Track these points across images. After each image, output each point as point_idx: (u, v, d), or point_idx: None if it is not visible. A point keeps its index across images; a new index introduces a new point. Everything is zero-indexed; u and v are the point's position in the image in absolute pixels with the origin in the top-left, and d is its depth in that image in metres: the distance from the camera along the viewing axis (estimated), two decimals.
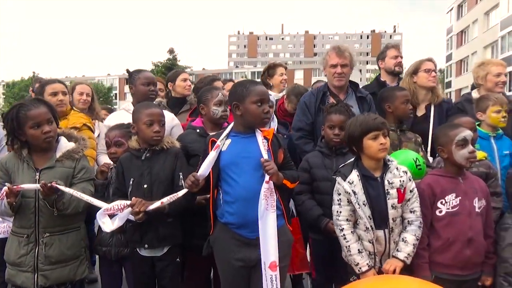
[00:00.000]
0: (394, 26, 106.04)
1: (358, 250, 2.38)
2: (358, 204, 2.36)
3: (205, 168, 2.29)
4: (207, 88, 3.08)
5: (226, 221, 2.35)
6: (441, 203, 2.50)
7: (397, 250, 2.38)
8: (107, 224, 2.32)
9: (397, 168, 2.46)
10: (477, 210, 2.51)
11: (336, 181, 2.48)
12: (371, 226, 2.36)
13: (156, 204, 2.35)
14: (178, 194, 2.35)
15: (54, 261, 2.40)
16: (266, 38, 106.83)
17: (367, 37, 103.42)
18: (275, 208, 2.28)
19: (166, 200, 2.35)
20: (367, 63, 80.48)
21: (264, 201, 2.25)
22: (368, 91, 3.62)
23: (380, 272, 2.42)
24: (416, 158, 2.80)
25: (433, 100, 3.60)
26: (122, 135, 2.74)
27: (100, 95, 40.08)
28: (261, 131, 2.41)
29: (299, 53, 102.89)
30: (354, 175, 2.42)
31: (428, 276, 2.44)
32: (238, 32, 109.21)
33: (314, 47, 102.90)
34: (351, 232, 2.42)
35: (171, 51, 40.50)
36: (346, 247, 2.41)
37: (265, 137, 2.38)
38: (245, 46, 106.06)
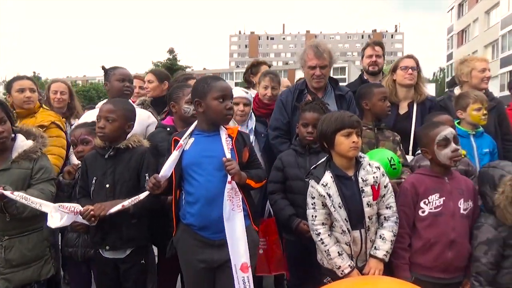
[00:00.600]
0: (396, 26, 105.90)
1: (338, 252, 2.31)
2: (334, 207, 2.29)
3: (167, 169, 2.23)
4: (179, 85, 3.01)
5: (188, 222, 2.28)
6: (424, 203, 2.43)
7: (375, 248, 2.31)
8: (54, 219, 2.23)
9: (369, 164, 2.40)
10: (462, 211, 2.42)
11: (309, 185, 2.41)
12: (348, 229, 2.29)
13: (117, 207, 2.29)
14: (140, 197, 2.29)
15: (16, 264, 2.35)
16: (267, 38, 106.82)
17: (369, 37, 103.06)
18: (241, 208, 2.22)
19: (127, 203, 2.28)
20: None
21: (229, 202, 2.19)
22: (351, 89, 3.56)
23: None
24: (391, 158, 2.73)
25: (415, 98, 3.53)
26: (88, 133, 2.67)
27: (101, 95, 40.01)
28: (226, 128, 2.35)
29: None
30: (328, 177, 2.35)
31: (407, 277, 2.37)
32: (240, 32, 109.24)
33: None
34: (328, 235, 2.34)
35: (171, 51, 40.52)
36: (325, 251, 2.33)
37: (229, 135, 2.32)
38: (246, 46, 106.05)
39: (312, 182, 2.37)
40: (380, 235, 2.33)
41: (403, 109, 3.55)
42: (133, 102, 4.09)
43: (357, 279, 2.15)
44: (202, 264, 2.27)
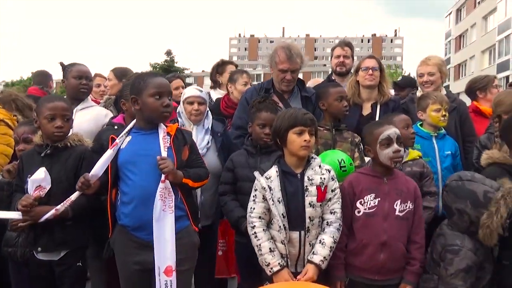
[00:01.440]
0: (395, 30, 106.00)
1: (270, 249, 2.22)
2: (273, 200, 2.22)
3: (98, 168, 2.16)
4: (129, 83, 2.95)
5: (123, 223, 2.22)
6: (360, 203, 2.36)
7: (313, 253, 2.24)
8: None
9: (319, 166, 2.33)
10: (397, 213, 2.35)
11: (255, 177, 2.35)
12: (283, 225, 2.21)
13: (50, 213, 2.22)
14: (71, 198, 2.21)
15: None
16: (267, 41, 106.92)
17: (368, 41, 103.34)
18: (173, 209, 2.15)
19: (60, 206, 2.21)
20: None
21: (160, 202, 2.12)
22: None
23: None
24: (342, 160, 2.67)
25: (379, 99, 3.47)
26: (31, 131, 2.60)
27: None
28: (166, 126, 2.28)
29: None
30: (273, 171, 2.29)
31: (341, 276, 2.32)
32: (239, 35, 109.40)
33: (315, 50, 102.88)
34: (263, 230, 2.26)
35: (168, 53, 40.50)
36: (257, 246, 2.25)
37: (168, 133, 2.25)
38: (245, 49, 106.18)
39: (256, 174, 2.31)
40: (320, 240, 2.25)
41: (366, 110, 3.49)
42: (97, 101, 4.05)
43: (283, 285, 2.07)
44: (136, 266, 2.20)
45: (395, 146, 2.39)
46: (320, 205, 2.26)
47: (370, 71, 3.37)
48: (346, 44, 4.14)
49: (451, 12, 40.40)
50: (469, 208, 2.21)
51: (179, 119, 3.08)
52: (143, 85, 2.20)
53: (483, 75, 4.13)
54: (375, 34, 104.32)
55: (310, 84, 4.26)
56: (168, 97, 2.23)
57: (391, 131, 2.41)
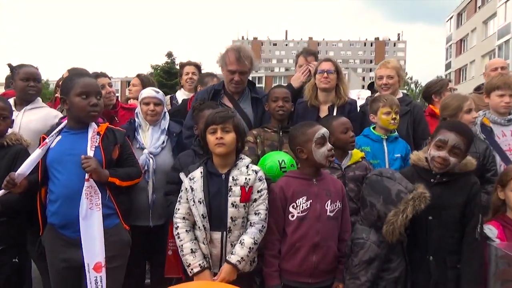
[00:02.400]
0: (398, 34, 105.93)
1: (191, 249, 2.24)
2: (194, 201, 2.23)
3: (24, 167, 2.20)
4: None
5: (50, 221, 2.25)
6: (293, 207, 2.35)
7: (231, 253, 2.24)
8: None
9: (247, 166, 2.34)
10: (328, 213, 2.37)
11: None
12: (203, 226, 2.23)
13: None
14: None
15: None
16: (270, 44, 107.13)
17: (371, 45, 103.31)
18: (100, 207, 2.17)
19: None
20: (370, 71, 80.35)
21: (86, 200, 2.15)
22: None
23: None
24: (283, 160, 2.68)
25: (335, 101, 3.48)
26: None
27: None
28: (98, 125, 2.30)
29: None
30: (198, 171, 2.31)
31: (277, 285, 2.30)
32: (242, 38, 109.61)
33: (318, 53, 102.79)
34: (186, 231, 2.28)
35: (169, 55, 40.62)
36: (179, 246, 2.27)
37: (99, 133, 2.27)
38: None
39: (181, 175, 2.34)
40: (241, 241, 2.25)
41: (323, 112, 3.50)
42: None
43: (187, 285, 2.07)
44: (63, 263, 2.23)
45: (329, 144, 2.41)
46: (244, 205, 2.27)
47: (325, 74, 3.38)
48: (310, 53, 4.15)
49: (452, 17, 40.31)
50: (380, 204, 2.25)
51: (136, 119, 3.11)
52: (70, 85, 2.24)
53: (438, 79, 4.15)
54: (378, 38, 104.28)
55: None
56: (96, 97, 2.25)
57: (324, 130, 2.43)
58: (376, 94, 3.62)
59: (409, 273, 2.36)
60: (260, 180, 2.31)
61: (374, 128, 3.20)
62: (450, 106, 2.89)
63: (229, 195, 2.24)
